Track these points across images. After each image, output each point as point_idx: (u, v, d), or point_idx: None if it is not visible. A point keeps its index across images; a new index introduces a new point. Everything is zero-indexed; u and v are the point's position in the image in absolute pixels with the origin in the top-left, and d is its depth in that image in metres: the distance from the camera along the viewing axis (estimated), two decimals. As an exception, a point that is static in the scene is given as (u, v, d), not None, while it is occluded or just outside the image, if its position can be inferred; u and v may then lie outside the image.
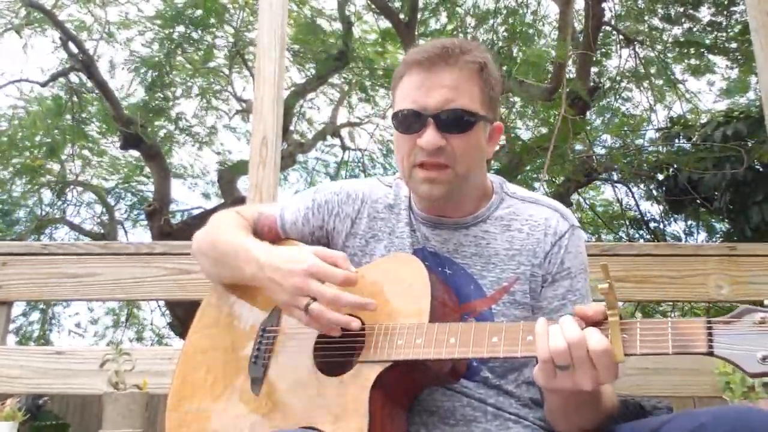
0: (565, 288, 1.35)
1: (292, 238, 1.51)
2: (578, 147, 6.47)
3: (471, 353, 1.13)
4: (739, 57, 6.77)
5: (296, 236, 1.50)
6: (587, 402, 1.15)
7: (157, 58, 7.09)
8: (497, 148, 1.46)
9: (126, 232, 9.58)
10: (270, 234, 1.51)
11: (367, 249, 1.44)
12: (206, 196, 9.75)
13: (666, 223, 7.90)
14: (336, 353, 1.26)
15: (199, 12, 6.90)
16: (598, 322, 1.05)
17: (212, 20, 7.19)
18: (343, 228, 1.47)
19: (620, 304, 1.05)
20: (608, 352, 1.00)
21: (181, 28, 7.19)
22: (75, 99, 7.94)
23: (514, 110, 8.14)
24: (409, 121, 1.30)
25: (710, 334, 0.97)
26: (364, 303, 1.20)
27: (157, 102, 7.59)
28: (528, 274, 1.34)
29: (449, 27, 7.43)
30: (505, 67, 5.91)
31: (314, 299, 1.19)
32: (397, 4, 6.99)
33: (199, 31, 7.18)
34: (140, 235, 9.77)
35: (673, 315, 7.46)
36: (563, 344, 1.02)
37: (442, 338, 1.15)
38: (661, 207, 7.67)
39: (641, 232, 8.07)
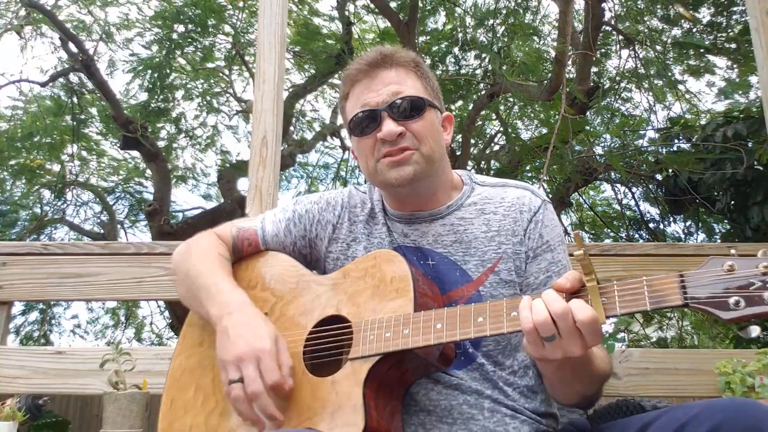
0: (548, 261, 1.40)
1: (273, 250, 1.53)
2: (578, 147, 6.47)
3: (459, 335, 1.15)
4: (738, 57, 6.77)
5: (278, 248, 1.53)
6: (580, 365, 1.17)
7: (157, 59, 7.09)
8: (451, 135, 1.53)
9: (126, 232, 9.59)
10: (250, 248, 1.54)
11: (349, 252, 1.48)
12: (206, 197, 9.76)
13: (666, 223, 7.90)
14: (325, 354, 1.27)
15: (198, 12, 6.89)
16: (577, 291, 1.09)
17: (211, 21, 7.19)
18: (326, 234, 1.51)
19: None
20: (594, 319, 1.04)
21: (180, 29, 7.19)
22: (75, 99, 7.94)
23: (514, 110, 8.15)
24: (366, 121, 1.38)
25: (683, 287, 1.01)
26: (273, 416, 1.20)
27: (157, 103, 7.59)
28: (510, 252, 1.39)
29: (448, 27, 7.44)
30: (504, 67, 5.91)
31: (242, 380, 1.20)
32: (393, 5, 6.99)
33: (199, 30, 7.17)
34: (140, 235, 9.79)
35: (673, 315, 7.47)
36: (546, 316, 1.05)
37: (429, 325, 1.17)
38: (661, 207, 7.67)
39: (641, 232, 8.06)
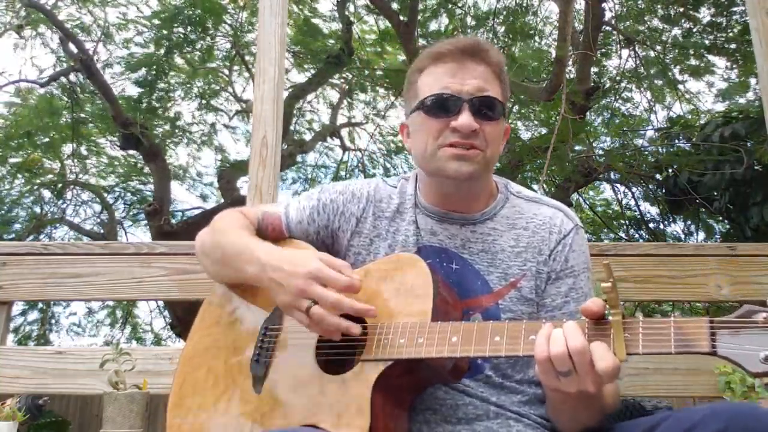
0: (569, 286, 1.37)
1: (296, 238, 1.51)
2: (578, 147, 6.47)
3: (473, 352, 1.14)
4: (738, 58, 6.77)
5: (301, 236, 1.51)
6: (590, 400, 1.15)
7: (154, 57, 7.09)
8: (504, 147, 1.50)
9: (126, 232, 9.59)
10: (274, 233, 1.52)
11: (372, 248, 1.45)
12: (204, 197, 9.76)
13: (666, 223, 7.91)
14: (338, 351, 1.26)
15: (198, 12, 6.89)
16: (601, 317, 1.06)
17: (210, 21, 7.18)
18: (348, 227, 1.48)
19: (621, 303, 1.05)
20: (616, 368, 1.00)
21: (179, 29, 7.19)
22: (74, 99, 7.94)
23: (513, 110, 8.15)
24: (443, 105, 1.35)
25: (713, 334, 0.96)
26: (365, 309, 1.20)
27: (152, 101, 7.58)
28: (534, 271, 1.37)
29: (449, 27, 7.44)
30: (504, 67, 5.91)
31: (316, 302, 1.19)
32: (394, 5, 6.99)
33: (198, 31, 7.17)
34: (140, 235, 9.79)
35: (674, 315, 7.46)
36: (563, 350, 1.02)
37: (445, 337, 1.16)
38: (661, 207, 7.67)
39: (641, 232, 8.07)
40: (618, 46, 7.12)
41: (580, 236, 1.42)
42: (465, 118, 1.32)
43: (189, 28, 7.14)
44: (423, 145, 1.37)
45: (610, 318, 1.03)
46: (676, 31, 7.07)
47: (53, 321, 9.74)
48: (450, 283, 1.34)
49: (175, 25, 7.08)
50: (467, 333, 1.15)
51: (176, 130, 8.65)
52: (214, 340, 1.43)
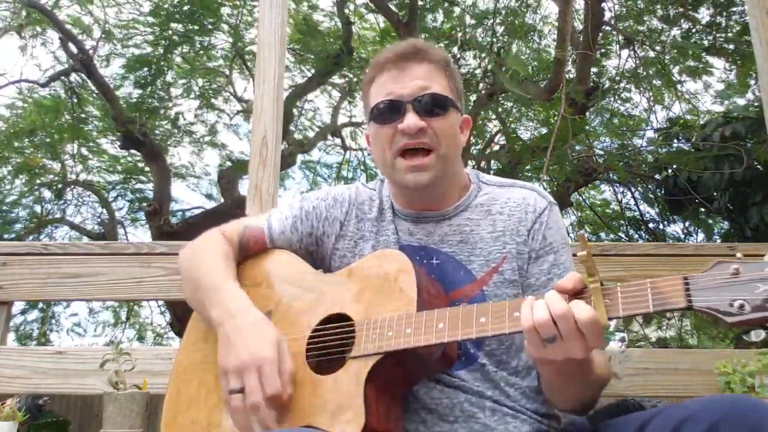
0: (550, 263, 1.40)
1: (280, 248, 1.52)
2: (578, 147, 6.47)
3: (461, 335, 1.15)
4: (737, 58, 6.77)
5: (284, 245, 1.52)
6: (580, 370, 1.17)
7: (152, 56, 7.08)
8: (467, 138, 1.53)
9: (126, 232, 9.58)
10: (257, 246, 1.53)
11: (356, 250, 1.48)
12: (208, 196, 9.76)
13: (666, 223, 7.91)
14: (328, 351, 1.27)
15: (195, 10, 6.88)
16: (579, 292, 1.09)
17: (208, 20, 7.17)
18: (333, 231, 1.51)
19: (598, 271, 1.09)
20: (595, 320, 1.04)
21: (178, 28, 7.18)
22: (75, 99, 7.94)
23: (513, 110, 8.15)
24: (389, 111, 1.38)
25: (688, 289, 0.99)
26: (269, 429, 1.19)
27: (151, 100, 7.57)
28: (515, 252, 1.39)
29: (448, 26, 7.44)
30: (503, 67, 5.91)
31: (242, 390, 1.20)
32: (393, 4, 6.99)
33: (197, 29, 7.16)
34: (140, 235, 9.79)
35: (673, 315, 7.47)
36: (546, 316, 1.05)
37: (431, 324, 1.18)
38: (660, 207, 7.67)
39: (640, 232, 8.07)
40: (617, 46, 7.12)
41: (555, 212, 1.46)
42: (409, 119, 1.35)
43: (187, 26, 7.14)
44: (381, 153, 1.41)
45: (590, 286, 1.07)
46: (676, 31, 7.07)
47: (53, 321, 9.75)
48: (433, 277, 1.36)
49: (173, 23, 7.08)
50: (453, 318, 1.17)
51: (177, 131, 8.65)
52: (203, 356, 1.43)
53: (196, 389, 1.39)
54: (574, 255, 1.25)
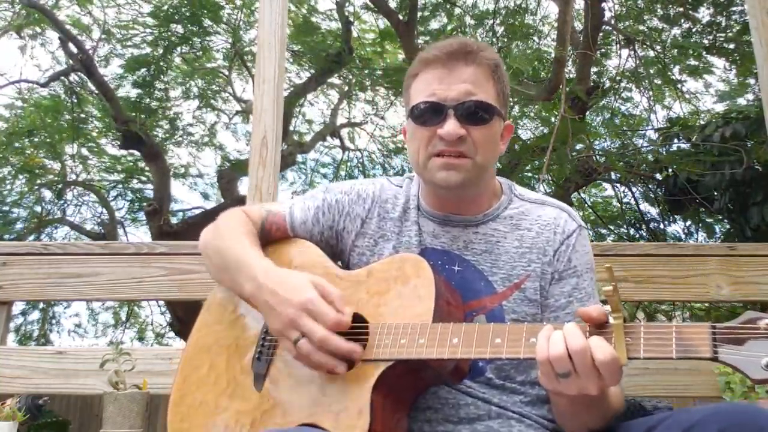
0: (572, 286, 1.37)
1: (301, 237, 1.51)
2: (578, 146, 6.47)
3: (474, 353, 1.13)
4: (737, 58, 6.77)
5: (305, 235, 1.50)
6: (594, 403, 1.14)
7: (150, 57, 7.08)
8: (507, 144, 1.48)
9: (126, 232, 9.59)
10: (278, 233, 1.51)
11: (376, 249, 1.45)
12: (206, 196, 9.76)
13: (666, 223, 7.91)
14: None
15: (195, 10, 6.88)
16: (601, 324, 1.05)
17: (207, 20, 7.17)
18: (353, 228, 1.48)
19: (623, 306, 1.04)
20: (614, 359, 1.00)
21: (178, 29, 7.18)
22: (74, 99, 7.94)
23: (513, 110, 8.15)
24: (430, 113, 1.33)
25: (715, 340, 0.96)
26: (349, 350, 1.19)
27: (150, 101, 7.57)
28: (539, 272, 1.36)
29: (449, 27, 7.44)
30: (503, 67, 5.91)
31: (304, 335, 1.19)
32: (393, 4, 6.99)
33: (196, 29, 7.16)
34: (140, 235, 9.79)
35: (673, 315, 7.47)
36: (562, 350, 1.02)
37: (446, 338, 1.16)
38: (661, 207, 7.67)
39: (641, 232, 8.07)
40: (617, 45, 7.12)
41: (583, 236, 1.42)
42: (450, 126, 1.30)
43: (186, 26, 7.13)
44: (416, 152, 1.37)
45: (612, 321, 1.03)
46: (676, 31, 7.07)
47: (54, 321, 9.75)
48: (453, 285, 1.34)
49: (172, 24, 7.08)
50: (468, 334, 1.14)
51: (176, 131, 8.65)
52: (216, 339, 1.43)
53: (206, 372, 1.38)
54: (600, 288, 1.22)
